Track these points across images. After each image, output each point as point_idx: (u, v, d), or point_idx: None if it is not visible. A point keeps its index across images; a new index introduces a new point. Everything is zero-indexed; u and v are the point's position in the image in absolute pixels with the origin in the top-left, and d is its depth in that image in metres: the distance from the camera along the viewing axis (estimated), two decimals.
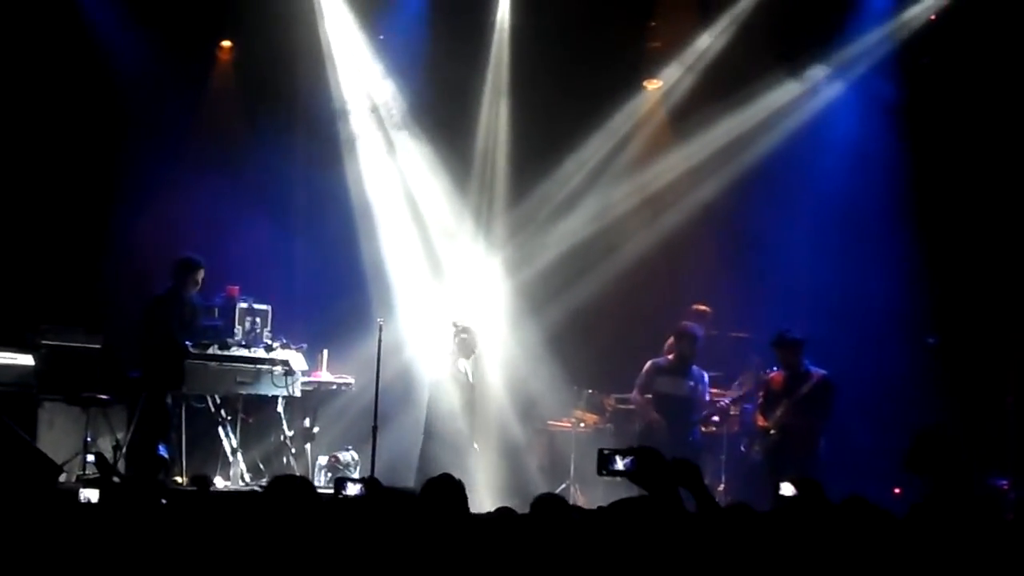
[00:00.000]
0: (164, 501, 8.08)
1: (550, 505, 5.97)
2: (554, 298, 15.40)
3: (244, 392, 13.82)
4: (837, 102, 15.52)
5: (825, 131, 15.39)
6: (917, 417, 14.24)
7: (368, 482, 7.94)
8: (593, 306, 15.37)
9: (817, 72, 15.50)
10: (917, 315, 14.72)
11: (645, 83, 16.33)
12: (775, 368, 13.11)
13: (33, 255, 14.50)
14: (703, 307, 14.58)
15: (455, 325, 14.08)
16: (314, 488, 5.71)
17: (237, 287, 14.05)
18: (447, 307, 15.32)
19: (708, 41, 15.66)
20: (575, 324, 15.21)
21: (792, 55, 15.35)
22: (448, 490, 6.26)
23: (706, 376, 13.53)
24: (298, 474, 13.27)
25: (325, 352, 14.56)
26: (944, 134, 14.98)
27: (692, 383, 13.39)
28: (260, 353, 13.85)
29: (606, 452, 5.39)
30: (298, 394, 14.06)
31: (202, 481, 11.34)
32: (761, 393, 13.22)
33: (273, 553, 5.33)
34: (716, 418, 14.01)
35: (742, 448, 13.63)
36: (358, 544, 5.60)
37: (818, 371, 12.86)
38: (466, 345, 13.97)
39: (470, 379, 14.02)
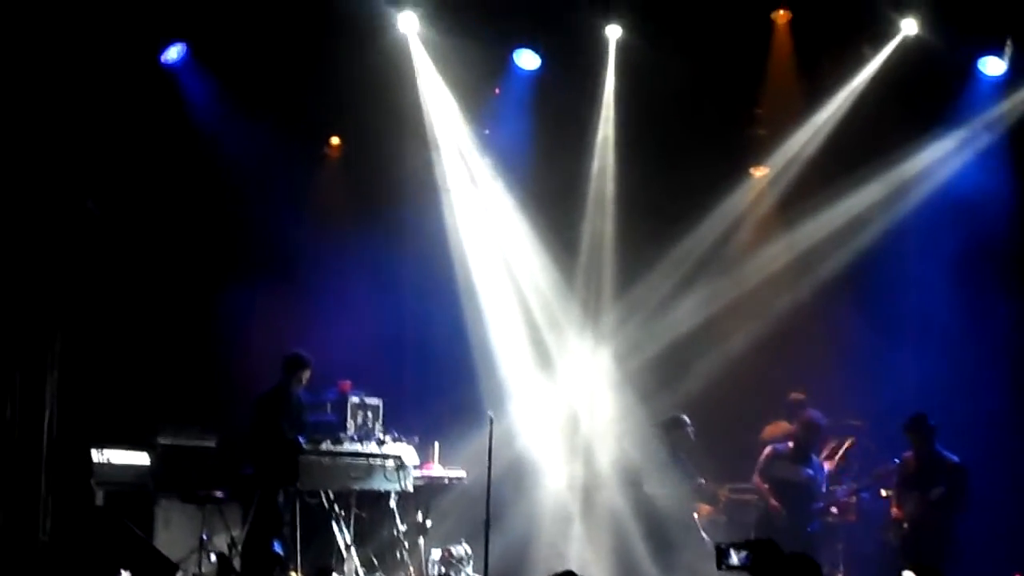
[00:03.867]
0: None
1: None
2: (664, 388, 15.26)
3: (357, 487, 13.85)
4: (948, 184, 15.32)
5: (938, 213, 15.20)
6: None
7: None
8: (703, 395, 15.20)
9: (928, 154, 15.34)
10: None
11: (752, 170, 16.29)
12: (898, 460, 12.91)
13: (148, 356, 14.66)
14: (799, 395, 14.35)
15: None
16: None
17: (348, 382, 14.16)
18: (556, 399, 15.32)
19: (815, 127, 15.57)
20: (685, 414, 15.06)
21: (902, 139, 15.22)
22: None
23: (826, 466, 13.35)
24: (412, 569, 13.35)
25: (436, 445, 14.61)
26: None
27: (811, 471, 13.24)
28: (372, 448, 13.89)
29: (723, 546, 5.36)
30: (411, 488, 14.06)
31: (324, 573, 11.30)
32: (896, 480, 13.04)
33: None
34: (834, 508, 13.81)
35: (888, 534, 13.28)
36: None
37: (952, 457, 12.68)
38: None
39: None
